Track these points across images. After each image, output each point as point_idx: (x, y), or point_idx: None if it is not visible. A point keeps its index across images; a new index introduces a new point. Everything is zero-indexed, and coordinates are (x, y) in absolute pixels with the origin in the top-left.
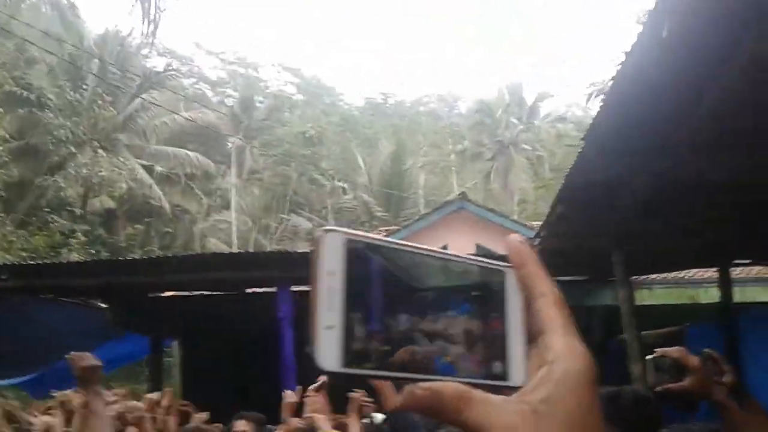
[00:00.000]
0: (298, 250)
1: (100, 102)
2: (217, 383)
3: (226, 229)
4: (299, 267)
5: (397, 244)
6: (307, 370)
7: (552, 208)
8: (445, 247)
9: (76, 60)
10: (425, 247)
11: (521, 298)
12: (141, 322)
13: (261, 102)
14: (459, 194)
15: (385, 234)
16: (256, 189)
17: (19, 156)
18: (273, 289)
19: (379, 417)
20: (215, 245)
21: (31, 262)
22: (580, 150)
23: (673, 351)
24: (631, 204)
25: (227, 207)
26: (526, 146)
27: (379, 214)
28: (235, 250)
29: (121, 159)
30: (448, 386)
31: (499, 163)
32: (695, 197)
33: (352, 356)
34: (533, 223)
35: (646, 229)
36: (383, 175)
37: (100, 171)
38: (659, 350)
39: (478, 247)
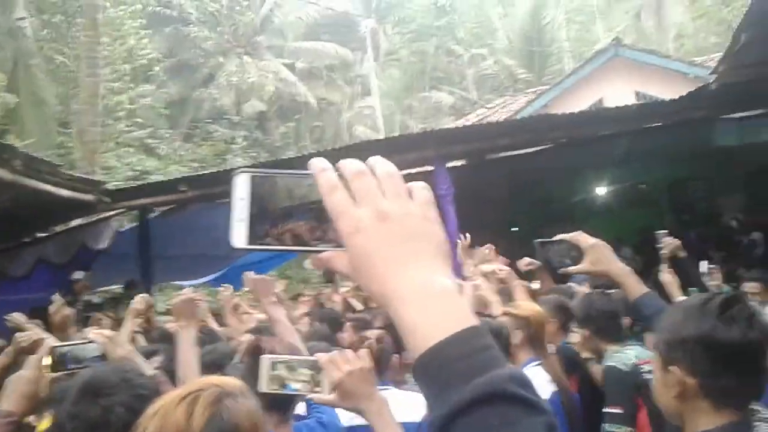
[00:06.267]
0: (450, 126)
1: (237, 8)
2: None
3: (371, 114)
4: (452, 144)
5: (280, 172)
6: None
7: (733, 39)
8: (600, 102)
9: None
10: (296, 172)
11: None
12: None
13: None
14: (612, 40)
15: (532, 97)
16: (395, 70)
17: (174, 73)
18: (428, 168)
19: None
20: (363, 132)
21: (204, 172)
22: None
23: (571, 235)
24: None
25: (369, 93)
26: None
27: (522, 76)
28: (381, 134)
29: (265, 60)
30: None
31: None
32: None
33: (252, 239)
34: (695, 59)
35: None
36: (523, 34)
37: (249, 77)
38: (559, 235)
39: (638, 94)
